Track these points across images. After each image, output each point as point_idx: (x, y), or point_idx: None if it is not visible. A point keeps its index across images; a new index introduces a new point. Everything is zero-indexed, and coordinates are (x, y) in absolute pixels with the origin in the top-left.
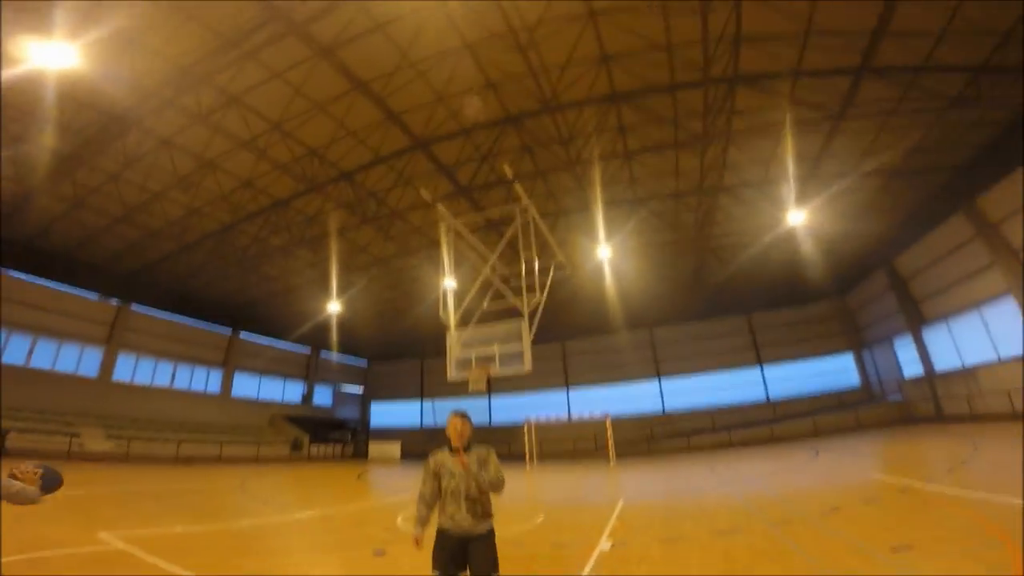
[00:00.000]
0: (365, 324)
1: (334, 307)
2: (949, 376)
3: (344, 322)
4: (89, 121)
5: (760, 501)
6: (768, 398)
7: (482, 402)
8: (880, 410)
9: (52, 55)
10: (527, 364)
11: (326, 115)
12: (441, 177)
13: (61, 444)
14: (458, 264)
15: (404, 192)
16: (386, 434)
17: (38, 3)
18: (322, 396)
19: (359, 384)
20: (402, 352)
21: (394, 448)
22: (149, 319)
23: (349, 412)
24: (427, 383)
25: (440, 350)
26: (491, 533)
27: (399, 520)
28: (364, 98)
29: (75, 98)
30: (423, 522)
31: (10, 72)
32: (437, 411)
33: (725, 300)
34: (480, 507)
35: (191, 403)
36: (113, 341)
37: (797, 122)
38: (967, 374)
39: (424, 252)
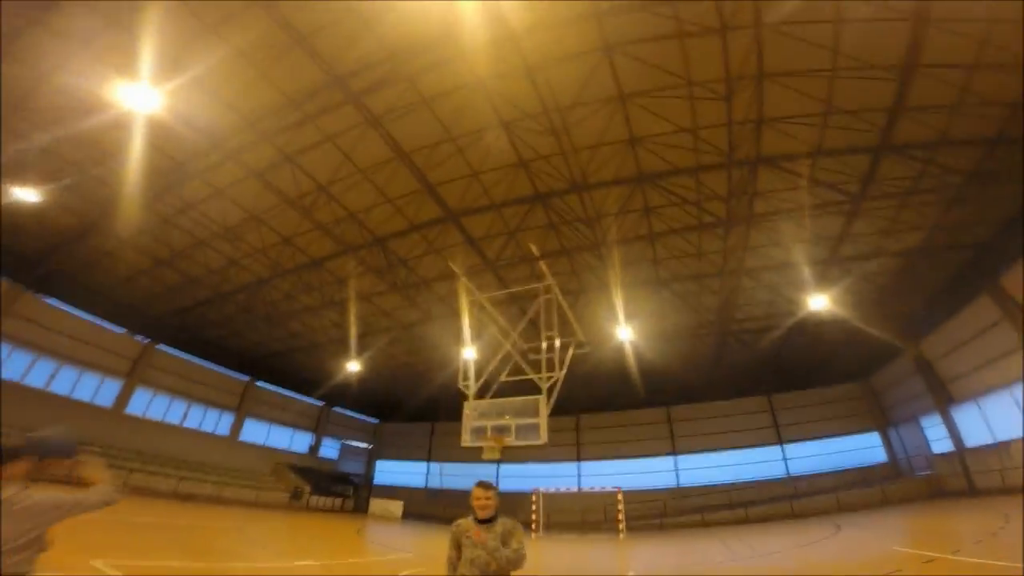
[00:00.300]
0: (380, 384)
1: (352, 366)
2: (981, 451)
3: (359, 380)
4: (158, 165)
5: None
6: (789, 473)
7: (491, 468)
8: (908, 485)
9: (138, 97)
10: (543, 437)
11: (369, 181)
12: (470, 250)
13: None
14: (479, 335)
15: (433, 262)
16: (389, 492)
17: (127, 45)
18: (329, 449)
19: (367, 441)
20: (413, 414)
21: (396, 506)
22: (171, 358)
23: (354, 466)
24: (436, 446)
25: (452, 415)
26: None
27: None
28: (405, 168)
29: (150, 141)
30: None
31: (100, 114)
32: (444, 475)
33: (746, 381)
34: None
35: (198, 442)
36: (134, 375)
37: (818, 204)
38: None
39: (446, 321)
